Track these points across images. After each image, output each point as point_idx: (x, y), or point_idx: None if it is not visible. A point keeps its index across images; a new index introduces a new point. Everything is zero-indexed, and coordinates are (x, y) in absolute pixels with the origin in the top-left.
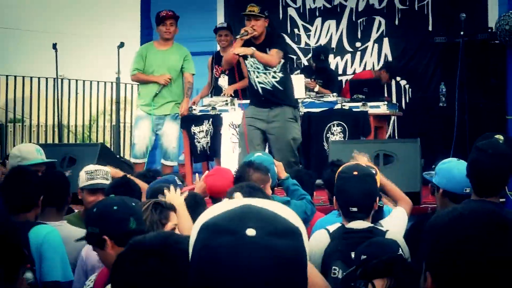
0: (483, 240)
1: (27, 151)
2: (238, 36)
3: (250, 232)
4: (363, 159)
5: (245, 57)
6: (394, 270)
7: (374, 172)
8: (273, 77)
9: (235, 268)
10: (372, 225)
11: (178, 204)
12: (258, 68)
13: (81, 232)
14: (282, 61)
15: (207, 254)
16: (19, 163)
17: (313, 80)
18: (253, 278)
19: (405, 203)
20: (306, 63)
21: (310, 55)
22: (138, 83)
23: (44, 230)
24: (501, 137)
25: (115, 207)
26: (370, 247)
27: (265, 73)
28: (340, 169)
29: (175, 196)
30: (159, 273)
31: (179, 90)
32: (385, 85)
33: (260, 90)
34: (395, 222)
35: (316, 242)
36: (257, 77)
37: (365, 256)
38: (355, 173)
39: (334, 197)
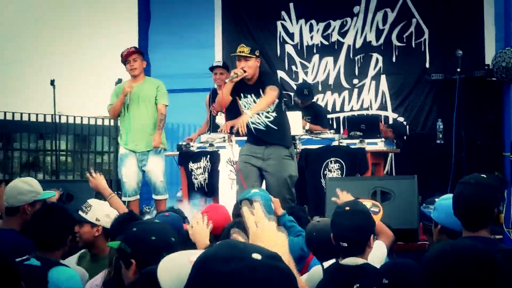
0: (461, 274)
1: (38, 186)
2: (227, 80)
3: (256, 256)
4: (347, 196)
5: (238, 96)
6: None
7: (376, 210)
8: (266, 117)
9: None
10: (367, 261)
11: (203, 245)
12: None
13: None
14: (277, 100)
15: (221, 280)
16: (34, 198)
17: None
18: None
19: (386, 237)
20: (299, 101)
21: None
22: (117, 119)
23: (66, 274)
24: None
25: (153, 237)
26: (393, 272)
27: (258, 114)
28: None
29: (202, 232)
30: None
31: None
32: (383, 122)
33: (254, 131)
34: (374, 255)
35: (311, 278)
36: (250, 117)
37: (387, 281)
38: (347, 208)
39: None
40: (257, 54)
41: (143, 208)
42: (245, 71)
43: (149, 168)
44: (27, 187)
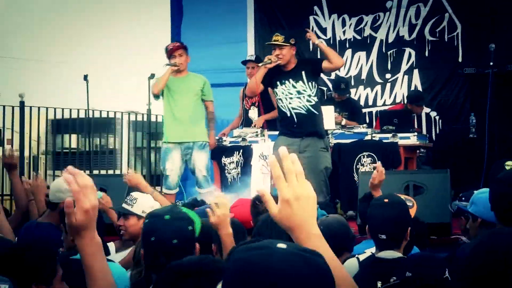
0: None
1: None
2: (261, 64)
3: (281, 245)
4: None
5: (274, 86)
6: None
7: (410, 204)
8: (308, 100)
9: (267, 273)
10: (403, 256)
11: (225, 232)
12: (291, 94)
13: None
14: (316, 86)
15: (240, 265)
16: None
17: (337, 114)
18: (288, 283)
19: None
20: (335, 94)
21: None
22: (155, 98)
23: (117, 270)
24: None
25: (175, 241)
26: (417, 265)
27: (299, 98)
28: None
29: (223, 218)
30: None
31: (201, 115)
32: (415, 117)
33: (294, 116)
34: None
35: (346, 270)
36: (290, 103)
37: (410, 274)
38: (386, 200)
39: (367, 226)
40: (292, 42)
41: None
42: (279, 58)
43: (193, 161)
44: (66, 185)
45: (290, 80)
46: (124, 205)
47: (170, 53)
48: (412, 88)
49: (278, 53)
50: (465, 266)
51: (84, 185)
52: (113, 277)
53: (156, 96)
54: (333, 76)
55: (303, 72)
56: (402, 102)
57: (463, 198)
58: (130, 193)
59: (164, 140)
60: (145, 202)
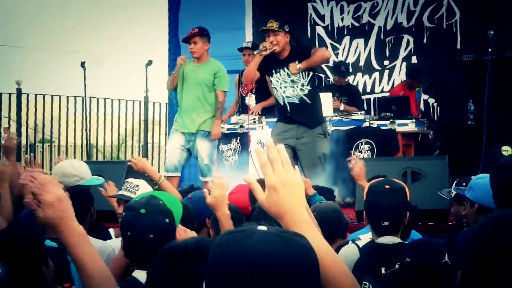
0: None
1: (84, 171)
2: (256, 52)
3: (261, 227)
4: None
5: (270, 74)
6: (439, 281)
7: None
8: (301, 89)
9: (244, 253)
10: (402, 241)
11: (222, 212)
12: (285, 82)
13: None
14: (311, 74)
15: (219, 246)
16: (76, 182)
17: (336, 99)
18: (267, 263)
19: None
20: (332, 82)
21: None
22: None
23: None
24: (508, 149)
25: (151, 236)
26: (417, 250)
27: (292, 87)
28: (369, 184)
29: (220, 197)
30: (194, 275)
31: (211, 107)
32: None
33: (287, 105)
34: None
35: (345, 256)
36: (284, 92)
37: (410, 260)
38: (387, 187)
39: (364, 212)
40: (286, 29)
41: None
42: (274, 45)
43: (195, 150)
44: (71, 170)
45: (285, 68)
46: (125, 193)
47: (186, 40)
48: None
49: (273, 39)
50: (470, 253)
51: (42, 181)
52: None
53: (171, 92)
54: (331, 62)
55: (296, 62)
56: (401, 81)
57: (464, 184)
58: (128, 180)
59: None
60: (146, 189)
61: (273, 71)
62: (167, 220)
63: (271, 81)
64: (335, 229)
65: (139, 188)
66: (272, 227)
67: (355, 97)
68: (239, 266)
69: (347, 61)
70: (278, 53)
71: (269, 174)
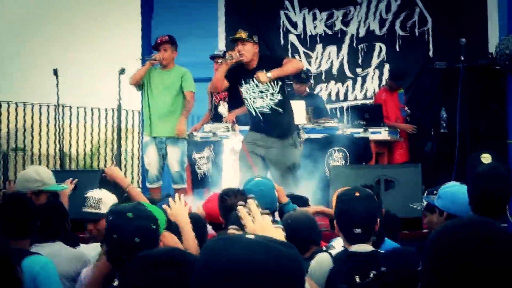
0: (475, 249)
1: (48, 177)
2: (221, 61)
3: (249, 236)
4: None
5: (240, 84)
6: None
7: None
8: (271, 99)
9: (228, 259)
10: (375, 249)
11: (184, 222)
12: (254, 93)
13: (73, 252)
14: (280, 83)
15: (206, 252)
16: (39, 188)
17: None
18: (249, 271)
19: None
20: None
21: (311, 82)
22: (137, 88)
23: (40, 261)
24: (487, 156)
25: (137, 240)
26: (390, 259)
27: (262, 97)
28: (339, 192)
29: (179, 210)
30: (168, 284)
31: (178, 110)
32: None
33: (260, 115)
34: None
35: (319, 265)
36: (253, 102)
37: (385, 269)
38: (357, 194)
39: (335, 221)
40: (255, 39)
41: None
42: (242, 54)
43: (167, 156)
44: (34, 175)
45: (253, 79)
46: (88, 209)
47: (155, 46)
48: (383, 82)
49: (240, 49)
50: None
51: None
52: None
53: (137, 87)
54: (314, 70)
55: (264, 71)
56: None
57: (435, 192)
58: (88, 194)
59: (144, 131)
60: (109, 200)
61: (242, 81)
62: (153, 226)
63: (241, 92)
64: (309, 236)
65: (103, 202)
66: (261, 235)
67: (321, 106)
68: (221, 272)
69: (320, 69)
70: (246, 63)
71: (249, 222)
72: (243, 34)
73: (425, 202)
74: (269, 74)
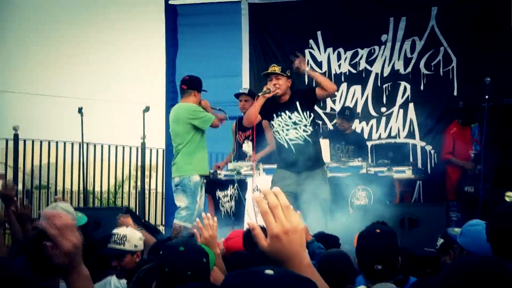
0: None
1: (73, 211)
2: (259, 94)
3: (268, 271)
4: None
5: (271, 118)
6: None
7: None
8: (304, 130)
9: None
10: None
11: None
12: (287, 125)
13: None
14: (312, 115)
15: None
16: None
17: (342, 146)
18: None
19: None
20: (331, 128)
21: (335, 120)
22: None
23: None
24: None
25: (189, 273)
26: None
27: (295, 128)
28: (360, 231)
29: (210, 238)
30: None
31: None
32: (410, 150)
33: (292, 147)
34: None
35: None
36: (286, 134)
37: None
38: (378, 231)
39: (356, 259)
40: (289, 74)
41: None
42: (277, 88)
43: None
44: (63, 212)
45: (286, 111)
46: (114, 246)
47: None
48: (408, 121)
49: (275, 83)
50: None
51: (62, 227)
52: None
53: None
54: (328, 109)
55: (297, 102)
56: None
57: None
58: (114, 231)
59: (197, 173)
60: (134, 236)
61: (274, 115)
62: (204, 260)
63: (271, 126)
64: (344, 275)
65: (127, 238)
66: (279, 269)
67: (362, 145)
68: None
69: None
70: (278, 97)
71: (271, 222)
72: (277, 68)
73: (441, 241)
74: (308, 67)
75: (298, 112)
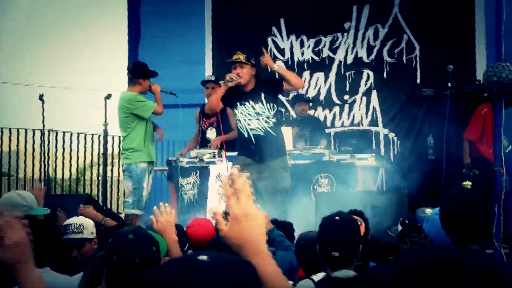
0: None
1: (32, 201)
2: (221, 82)
3: (203, 257)
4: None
5: (234, 106)
6: None
7: (359, 223)
8: (266, 122)
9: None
10: (357, 275)
11: (171, 239)
12: (250, 115)
13: (65, 279)
14: (275, 107)
15: (162, 280)
16: (25, 213)
17: (298, 130)
18: None
19: None
20: (294, 116)
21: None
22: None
23: None
24: (468, 183)
25: (137, 260)
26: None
27: (257, 119)
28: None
29: (167, 223)
30: None
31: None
32: (373, 137)
33: (252, 137)
34: None
35: None
36: (248, 124)
37: None
38: (337, 218)
39: (317, 246)
40: (253, 62)
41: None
42: (240, 77)
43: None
44: (20, 200)
45: (250, 101)
46: (72, 236)
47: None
48: (371, 109)
49: (239, 72)
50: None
51: (9, 221)
52: None
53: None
54: (291, 97)
55: (262, 93)
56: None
57: (406, 222)
58: (68, 222)
59: (139, 156)
60: (90, 224)
61: (238, 103)
62: (153, 248)
63: (235, 114)
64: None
65: (85, 226)
66: (215, 254)
67: (318, 128)
68: None
69: (307, 96)
70: (243, 85)
71: (233, 205)
72: (241, 57)
73: (400, 229)
74: (276, 65)
75: (262, 103)
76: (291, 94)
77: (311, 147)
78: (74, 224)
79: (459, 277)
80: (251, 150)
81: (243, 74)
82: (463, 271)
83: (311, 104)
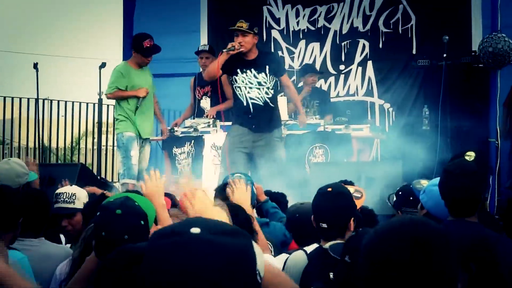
0: (399, 260)
1: (26, 167)
2: (224, 50)
3: (194, 230)
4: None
5: (234, 73)
6: None
7: (358, 195)
8: (266, 93)
9: (179, 265)
10: None
11: (159, 204)
12: (251, 83)
13: (59, 248)
14: (275, 79)
15: (152, 255)
16: (26, 180)
17: (307, 101)
18: (196, 274)
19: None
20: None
21: (294, 77)
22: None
23: (14, 257)
24: (472, 154)
25: (126, 237)
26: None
27: (258, 89)
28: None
29: (155, 188)
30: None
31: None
32: (368, 108)
33: (251, 106)
34: None
35: (294, 263)
36: (248, 92)
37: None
38: (329, 189)
39: (312, 216)
40: (256, 31)
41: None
42: (242, 45)
43: (143, 154)
44: (22, 169)
45: (252, 70)
46: (63, 205)
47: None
48: (366, 79)
49: (241, 40)
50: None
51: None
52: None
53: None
54: (287, 66)
55: (267, 66)
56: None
57: (400, 193)
58: (59, 191)
59: (126, 126)
60: (82, 194)
61: (238, 70)
62: (142, 222)
63: (234, 81)
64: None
65: (77, 196)
66: (207, 224)
67: (326, 100)
68: (169, 279)
69: (302, 66)
70: (244, 53)
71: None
72: (244, 25)
73: (394, 199)
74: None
75: (265, 73)
76: (286, 63)
77: (320, 120)
78: (66, 193)
79: (431, 246)
80: (248, 119)
81: (245, 43)
82: (438, 240)
83: (318, 78)
